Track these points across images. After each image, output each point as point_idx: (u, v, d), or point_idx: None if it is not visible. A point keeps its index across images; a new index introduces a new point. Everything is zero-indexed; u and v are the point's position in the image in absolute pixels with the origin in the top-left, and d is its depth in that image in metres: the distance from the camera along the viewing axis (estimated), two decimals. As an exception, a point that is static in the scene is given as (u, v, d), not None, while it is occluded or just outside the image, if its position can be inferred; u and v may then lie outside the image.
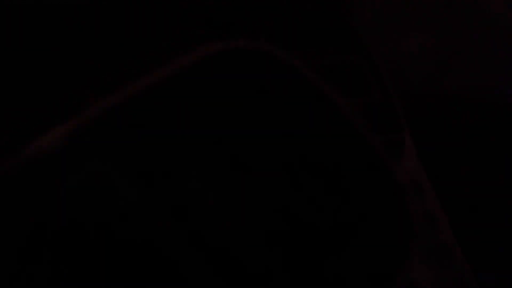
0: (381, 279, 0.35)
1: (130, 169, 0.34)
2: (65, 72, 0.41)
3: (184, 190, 0.34)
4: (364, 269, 0.35)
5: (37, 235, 0.32)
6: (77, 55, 0.42)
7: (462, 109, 0.54)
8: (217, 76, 0.36)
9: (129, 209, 0.33)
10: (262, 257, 0.34)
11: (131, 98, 0.35)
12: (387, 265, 0.35)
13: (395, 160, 0.46)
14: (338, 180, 0.36)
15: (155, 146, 0.34)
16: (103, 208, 0.33)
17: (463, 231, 0.46)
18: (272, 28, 0.48)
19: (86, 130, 0.34)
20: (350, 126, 0.37)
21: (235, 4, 0.45)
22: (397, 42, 0.55)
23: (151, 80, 0.35)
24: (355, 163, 0.36)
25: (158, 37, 0.45)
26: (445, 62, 0.56)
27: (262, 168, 0.35)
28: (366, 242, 0.35)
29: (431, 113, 0.54)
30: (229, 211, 0.34)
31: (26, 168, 0.33)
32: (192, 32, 0.46)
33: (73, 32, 0.43)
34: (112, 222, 0.33)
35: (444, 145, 0.53)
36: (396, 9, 0.56)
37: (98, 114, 0.34)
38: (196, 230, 0.34)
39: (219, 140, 0.35)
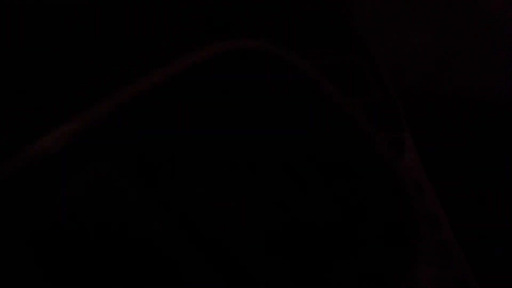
0: (387, 282, 0.35)
1: (131, 169, 0.34)
2: (65, 72, 0.41)
3: (185, 190, 0.34)
4: (370, 272, 0.35)
5: (38, 235, 0.32)
6: (77, 55, 0.42)
7: (462, 109, 0.54)
8: (219, 76, 0.36)
9: (130, 209, 0.33)
10: (264, 259, 0.34)
11: (132, 98, 0.35)
12: (393, 268, 0.35)
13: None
14: (343, 181, 0.36)
15: (156, 147, 0.34)
16: (103, 208, 0.33)
17: (463, 231, 0.46)
18: (272, 28, 0.48)
19: (88, 131, 0.34)
20: (353, 125, 0.37)
21: (235, 4, 0.45)
22: (397, 42, 0.55)
23: (152, 80, 0.35)
24: (360, 162, 0.36)
25: (158, 37, 0.45)
26: (445, 62, 0.56)
27: (265, 169, 0.35)
28: (371, 244, 0.35)
29: (431, 113, 0.54)
30: (231, 212, 0.34)
31: (27, 169, 0.33)
32: (192, 32, 0.46)
33: (73, 32, 0.43)
34: (112, 222, 0.33)
35: (444, 145, 0.53)
36: (396, 9, 0.56)
37: (99, 115, 0.34)
38: (197, 230, 0.33)
39: (222, 140, 0.35)
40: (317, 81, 0.37)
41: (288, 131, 0.36)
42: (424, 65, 0.55)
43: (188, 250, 0.33)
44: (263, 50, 0.36)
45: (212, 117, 0.35)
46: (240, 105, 0.36)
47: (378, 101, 0.47)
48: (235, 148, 0.35)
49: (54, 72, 0.41)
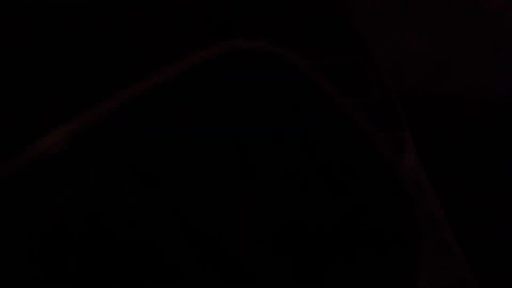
0: (389, 283, 0.35)
1: (131, 170, 0.34)
2: (65, 72, 0.41)
3: (185, 191, 0.34)
4: (371, 273, 0.35)
5: (37, 236, 0.32)
6: (77, 55, 0.42)
7: (462, 109, 0.54)
8: (219, 77, 0.36)
9: (129, 210, 0.33)
10: (264, 259, 0.34)
11: (132, 99, 0.35)
12: (395, 268, 0.35)
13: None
14: (343, 181, 0.36)
15: (156, 147, 0.34)
16: (102, 209, 0.33)
17: (463, 231, 0.46)
18: (272, 28, 0.48)
19: (89, 131, 0.34)
20: (353, 125, 0.37)
21: (235, 4, 0.45)
22: (397, 42, 0.55)
23: (152, 82, 0.35)
24: (360, 163, 0.36)
25: (158, 37, 0.45)
26: (445, 62, 0.56)
27: (265, 169, 0.35)
28: (372, 245, 0.35)
29: (431, 113, 0.54)
30: (231, 212, 0.34)
31: (28, 169, 0.33)
32: (192, 32, 0.46)
33: (73, 32, 0.43)
34: (112, 223, 0.33)
35: (444, 145, 0.53)
36: (396, 9, 0.56)
37: (100, 115, 0.34)
38: (197, 231, 0.33)
39: (222, 141, 0.35)
40: (317, 81, 0.37)
41: (288, 131, 0.36)
42: (424, 65, 0.55)
43: (187, 251, 0.33)
44: (263, 50, 0.36)
45: (212, 117, 0.35)
46: (240, 105, 0.35)
47: (378, 101, 0.47)
48: (235, 148, 0.35)
49: (54, 72, 0.41)
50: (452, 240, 0.46)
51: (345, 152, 0.36)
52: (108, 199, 0.33)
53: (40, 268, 0.32)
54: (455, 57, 0.56)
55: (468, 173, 0.52)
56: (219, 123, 0.35)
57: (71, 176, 0.33)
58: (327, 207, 0.35)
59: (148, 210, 0.33)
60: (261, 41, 0.36)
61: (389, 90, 0.47)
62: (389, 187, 0.36)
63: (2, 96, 0.40)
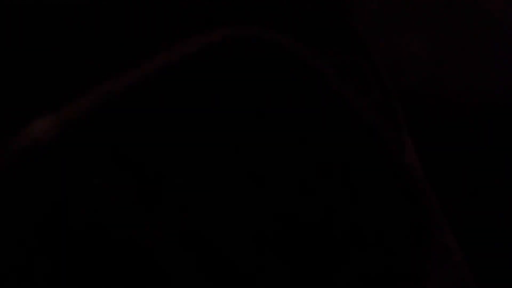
0: (401, 281, 0.34)
1: (123, 164, 0.33)
2: (65, 72, 0.41)
3: (181, 190, 0.34)
4: (382, 272, 0.34)
5: (27, 231, 0.32)
6: (77, 55, 0.42)
7: (461, 109, 0.54)
8: (216, 65, 0.35)
9: (121, 208, 0.33)
10: (263, 262, 0.33)
11: (125, 88, 0.34)
12: (407, 267, 0.35)
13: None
14: (349, 180, 0.35)
15: (149, 139, 0.34)
16: (91, 206, 0.33)
17: (463, 232, 0.46)
18: (272, 28, 0.48)
19: (78, 120, 0.33)
20: (356, 114, 0.36)
21: (235, 4, 0.45)
22: (397, 42, 0.55)
23: (145, 70, 0.34)
24: (366, 157, 0.35)
25: (158, 37, 0.45)
26: (444, 62, 0.56)
27: (265, 165, 0.34)
28: (383, 244, 0.35)
29: (430, 113, 0.54)
30: (227, 212, 0.34)
31: (19, 158, 0.32)
32: (192, 32, 0.46)
33: (73, 32, 0.43)
34: (103, 222, 0.33)
35: (443, 145, 0.53)
36: (396, 9, 0.56)
37: (89, 105, 0.33)
38: (191, 231, 0.33)
39: (219, 136, 0.34)
40: (314, 66, 0.36)
41: (288, 122, 0.35)
42: (423, 65, 0.55)
43: (179, 250, 0.33)
44: (261, 37, 0.36)
45: (206, 108, 0.34)
46: (236, 93, 0.35)
47: (377, 101, 0.47)
48: (231, 142, 0.34)
49: (54, 72, 0.41)
50: (452, 240, 0.46)
51: (350, 146, 0.35)
52: (98, 195, 0.33)
53: (30, 263, 0.32)
54: (455, 57, 0.56)
55: (467, 173, 0.52)
56: (214, 114, 0.34)
57: (63, 166, 0.32)
58: (334, 206, 0.34)
59: (139, 208, 0.33)
60: (259, 28, 0.36)
61: (388, 90, 0.47)
62: (399, 184, 0.36)
63: (2, 96, 0.40)
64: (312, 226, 0.34)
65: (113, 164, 0.33)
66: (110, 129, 0.33)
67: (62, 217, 0.32)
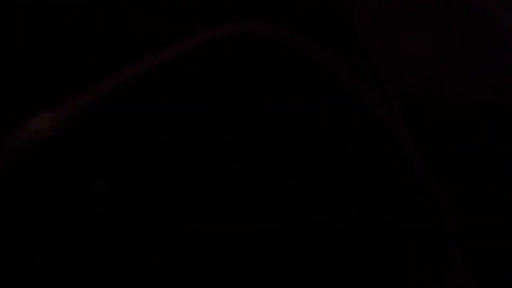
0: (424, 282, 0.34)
1: (121, 163, 0.33)
2: (65, 72, 0.41)
3: (178, 188, 0.33)
4: (403, 273, 0.34)
5: (26, 230, 0.32)
6: (77, 55, 0.42)
7: (461, 109, 0.54)
8: (221, 61, 0.34)
9: (120, 209, 0.33)
10: (262, 261, 0.33)
11: (127, 85, 0.34)
12: (429, 269, 0.34)
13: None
14: (358, 178, 0.34)
15: (150, 139, 0.33)
16: (92, 206, 0.33)
17: (464, 232, 0.46)
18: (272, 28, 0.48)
19: (78, 117, 0.33)
20: (367, 111, 0.35)
21: (235, 4, 0.45)
22: (397, 42, 0.55)
23: (150, 66, 0.34)
24: (380, 159, 0.35)
25: (158, 37, 0.45)
26: (445, 62, 0.56)
27: (269, 162, 0.34)
28: (402, 247, 0.34)
29: (430, 113, 0.54)
30: (226, 211, 0.33)
31: (19, 156, 0.32)
32: (192, 32, 0.46)
33: (73, 32, 0.43)
34: (100, 221, 0.32)
35: (443, 145, 0.53)
36: (396, 10, 0.56)
37: (90, 101, 0.33)
38: (186, 230, 0.33)
39: (222, 134, 0.34)
40: (326, 67, 0.35)
41: (295, 118, 0.34)
42: (423, 65, 0.55)
43: (174, 250, 0.33)
44: (270, 33, 0.35)
45: (212, 105, 0.34)
46: (243, 91, 0.34)
47: (377, 102, 0.47)
48: (233, 140, 0.34)
49: (54, 72, 0.41)
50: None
51: (361, 145, 0.35)
52: (97, 195, 0.32)
53: (29, 259, 0.32)
54: (455, 57, 0.56)
55: (467, 173, 0.52)
56: (217, 112, 0.34)
57: (63, 163, 0.32)
58: (339, 204, 0.34)
59: (139, 209, 0.33)
60: (267, 24, 0.35)
61: (388, 90, 0.47)
62: (414, 186, 0.35)
63: (2, 96, 0.40)
64: (321, 227, 0.34)
65: (113, 163, 0.33)
66: (111, 126, 0.33)
67: (62, 216, 0.32)
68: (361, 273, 0.33)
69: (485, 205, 0.52)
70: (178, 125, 0.34)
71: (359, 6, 0.55)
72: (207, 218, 0.33)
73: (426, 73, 0.55)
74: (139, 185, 0.33)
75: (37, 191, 0.32)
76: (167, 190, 0.33)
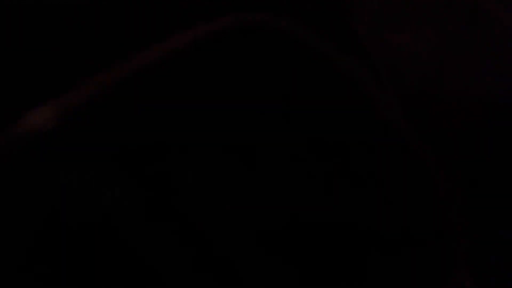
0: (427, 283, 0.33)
1: (123, 160, 0.33)
2: (65, 72, 0.41)
3: (181, 187, 0.33)
4: (408, 273, 0.33)
5: (25, 225, 0.32)
6: (76, 55, 0.42)
7: (461, 109, 0.54)
8: (224, 52, 0.34)
9: (120, 207, 0.33)
10: (265, 261, 0.33)
11: (127, 78, 0.33)
12: (433, 269, 0.33)
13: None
14: (367, 175, 0.34)
15: (150, 133, 0.33)
16: (90, 201, 0.32)
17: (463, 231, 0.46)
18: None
19: (78, 110, 0.33)
20: (373, 105, 0.34)
21: (235, 5, 0.45)
22: (397, 42, 0.55)
23: (151, 58, 0.34)
24: (385, 153, 0.34)
25: (158, 37, 0.45)
26: (444, 63, 0.56)
27: (274, 159, 0.33)
28: (408, 245, 0.33)
29: (430, 113, 0.54)
30: (230, 211, 0.33)
31: (16, 148, 0.32)
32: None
33: (73, 32, 0.43)
34: (102, 221, 0.32)
35: (443, 145, 0.53)
36: (396, 9, 0.56)
37: (95, 90, 0.33)
38: (190, 230, 0.33)
39: (220, 127, 0.33)
40: (326, 52, 0.35)
41: (299, 112, 0.33)
42: (423, 65, 0.55)
43: (178, 250, 0.32)
44: (271, 24, 0.35)
45: (213, 98, 0.33)
46: (243, 82, 0.34)
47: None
48: (237, 136, 0.33)
49: (54, 72, 0.41)
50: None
51: (367, 139, 0.34)
52: (97, 194, 0.32)
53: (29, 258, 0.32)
54: (455, 57, 0.56)
55: (467, 174, 0.52)
56: (219, 107, 0.33)
57: (64, 157, 0.32)
58: (342, 204, 0.33)
59: (138, 208, 0.32)
60: (268, 15, 0.34)
61: (388, 91, 0.47)
62: (422, 183, 0.34)
63: (2, 96, 0.40)
64: (325, 227, 0.33)
65: (113, 157, 0.33)
66: (111, 119, 0.33)
67: (61, 210, 0.32)
68: (365, 272, 0.33)
69: (484, 205, 0.52)
70: (176, 123, 0.34)
71: (359, 6, 0.55)
72: (207, 217, 0.33)
73: (426, 73, 0.55)
74: (140, 183, 0.33)
75: (35, 184, 0.32)
76: (169, 190, 0.33)
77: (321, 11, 0.49)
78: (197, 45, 0.34)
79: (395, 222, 0.34)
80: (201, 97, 0.34)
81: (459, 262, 0.34)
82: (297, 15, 0.48)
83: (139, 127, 0.33)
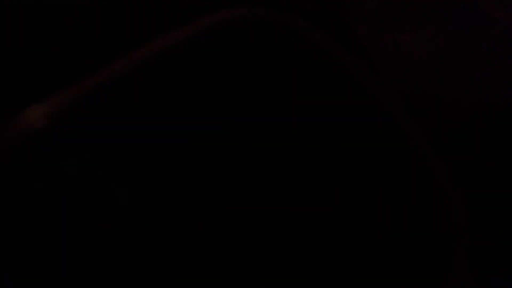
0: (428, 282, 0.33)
1: (121, 159, 0.33)
2: (65, 72, 0.41)
3: (187, 187, 0.33)
4: (409, 272, 0.33)
5: (23, 221, 0.32)
6: (76, 55, 0.42)
7: (461, 110, 0.54)
8: (223, 46, 0.34)
9: (120, 207, 0.33)
10: (274, 262, 0.32)
11: (127, 70, 0.33)
12: (435, 268, 0.34)
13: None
14: (373, 175, 0.33)
15: (151, 132, 0.33)
16: (90, 206, 0.32)
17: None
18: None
19: (74, 107, 0.32)
20: (378, 101, 0.34)
21: (235, 5, 0.45)
22: (397, 43, 0.55)
23: (153, 51, 0.33)
24: (389, 152, 0.34)
25: (157, 33, 0.45)
26: (445, 62, 0.56)
27: (280, 159, 0.33)
28: (411, 246, 0.33)
29: (430, 113, 0.54)
30: (235, 211, 0.33)
31: (12, 146, 0.32)
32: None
33: (73, 32, 0.43)
34: (101, 222, 0.32)
35: (443, 145, 0.53)
36: (396, 9, 0.56)
37: (89, 88, 0.33)
38: (193, 232, 0.33)
39: (220, 127, 0.33)
40: (329, 48, 0.34)
41: (304, 109, 0.33)
42: (423, 65, 0.55)
43: (182, 250, 0.32)
44: (272, 18, 0.34)
45: (213, 96, 0.33)
46: (245, 78, 0.33)
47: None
48: (242, 135, 0.33)
49: (54, 72, 0.41)
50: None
51: (371, 137, 0.34)
52: (94, 194, 0.32)
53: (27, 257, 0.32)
54: (455, 57, 0.56)
55: (467, 174, 0.52)
56: (221, 103, 0.33)
57: (63, 156, 0.32)
58: (344, 203, 0.33)
59: (139, 208, 0.32)
60: (268, 9, 0.34)
61: (387, 91, 0.47)
62: (427, 184, 0.34)
63: (2, 97, 0.40)
64: (327, 227, 0.33)
65: (113, 157, 0.33)
66: (111, 118, 0.33)
67: (60, 210, 0.32)
68: (365, 272, 0.33)
69: (484, 205, 0.52)
70: (176, 122, 0.33)
71: (359, 6, 0.55)
72: (207, 217, 0.33)
73: (426, 73, 0.55)
74: (140, 183, 0.33)
75: (35, 184, 0.32)
76: (169, 190, 0.33)
77: (321, 11, 0.49)
78: (198, 39, 0.34)
79: (396, 222, 0.34)
80: (201, 95, 0.33)
81: (459, 262, 0.34)
82: (297, 15, 0.48)
83: (139, 127, 0.33)
